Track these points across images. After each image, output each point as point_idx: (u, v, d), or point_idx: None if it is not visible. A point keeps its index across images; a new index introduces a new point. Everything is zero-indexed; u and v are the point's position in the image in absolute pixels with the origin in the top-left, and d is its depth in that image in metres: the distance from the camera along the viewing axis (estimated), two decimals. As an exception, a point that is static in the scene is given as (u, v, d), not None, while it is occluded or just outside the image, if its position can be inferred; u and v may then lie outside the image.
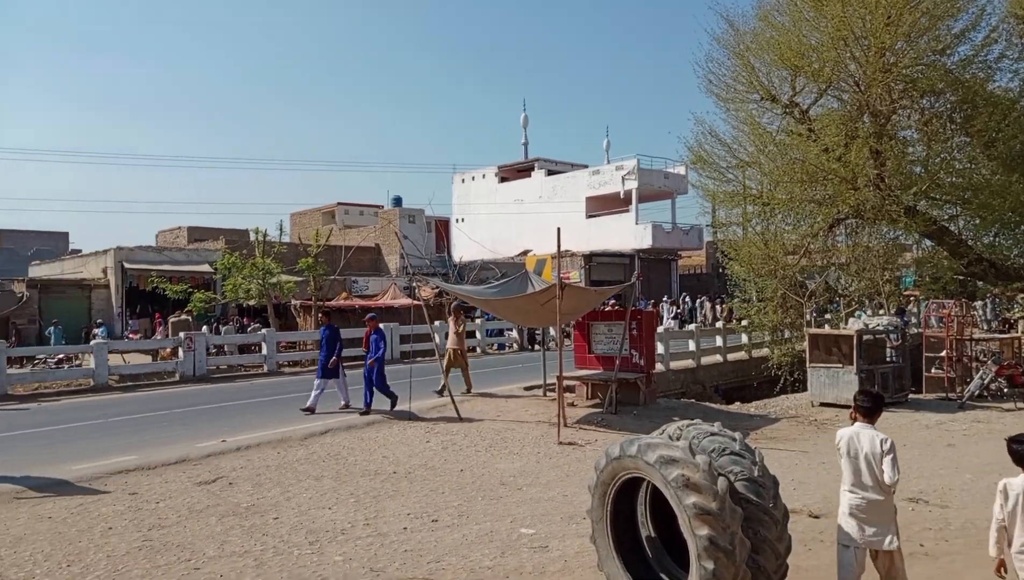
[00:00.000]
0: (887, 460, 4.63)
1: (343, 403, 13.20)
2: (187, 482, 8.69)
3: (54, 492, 8.19)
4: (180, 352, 19.04)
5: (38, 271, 37.76)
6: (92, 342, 19.92)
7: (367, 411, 12.62)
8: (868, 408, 4.85)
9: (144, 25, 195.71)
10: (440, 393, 14.05)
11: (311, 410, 12.77)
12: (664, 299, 34.85)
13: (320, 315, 15.43)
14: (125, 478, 8.76)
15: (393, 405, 12.83)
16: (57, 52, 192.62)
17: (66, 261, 37.99)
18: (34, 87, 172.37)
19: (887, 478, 4.62)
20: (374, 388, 12.76)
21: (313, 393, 13.02)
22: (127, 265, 31.43)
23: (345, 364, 13.54)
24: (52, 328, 26.52)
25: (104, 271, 32.41)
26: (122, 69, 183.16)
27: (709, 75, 19.22)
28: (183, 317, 23.88)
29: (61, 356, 21.16)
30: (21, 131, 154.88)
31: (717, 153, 19.56)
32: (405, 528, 7.15)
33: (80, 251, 41.50)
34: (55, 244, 48.13)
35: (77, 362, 21.09)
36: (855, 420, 4.92)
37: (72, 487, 8.38)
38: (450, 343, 15.12)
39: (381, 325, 23.30)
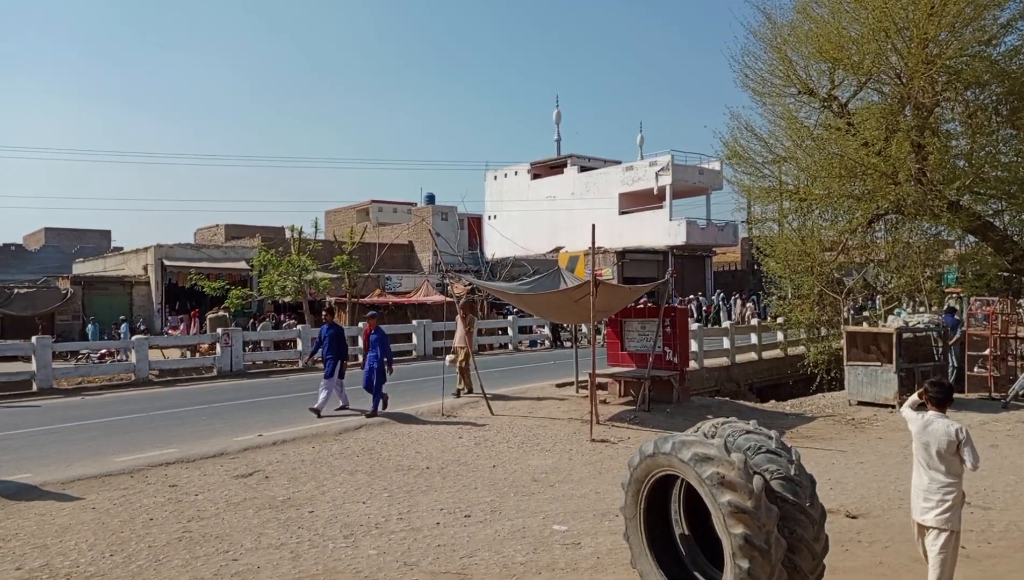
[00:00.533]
0: (967, 450, 4.90)
1: (316, 406, 12.35)
2: (225, 475, 8.84)
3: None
4: (218, 348, 19.39)
5: (82, 268, 38.70)
6: (133, 339, 20.34)
7: (374, 413, 12.13)
8: (939, 399, 5.15)
9: (178, 25, 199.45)
10: (458, 394, 14.02)
11: (343, 407, 12.71)
12: (689, 297, 34.55)
13: (323, 313, 14.61)
14: (165, 471, 8.95)
15: (375, 409, 12.19)
16: (93, 54, 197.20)
17: (108, 258, 38.89)
18: (76, 89, 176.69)
19: (970, 465, 4.89)
20: (363, 386, 12.33)
21: (336, 395, 12.65)
22: (167, 262, 32.08)
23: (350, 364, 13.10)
24: (90, 325, 27.22)
25: (145, 268, 33.13)
26: (160, 69, 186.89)
27: (745, 69, 18.96)
28: (220, 313, 24.30)
29: (104, 351, 21.67)
30: (63, 132, 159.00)
31: (753, 148, 19.28)
32: (438, 523, 7.19)
33: (122, 249, 42.42)
34: (98, 242, 49.25)
35: (119, 357, 21.59)
36: (922, 405, 5.27)
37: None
38: (457, 341, 14.68)
39: (415, 322, 23.73)
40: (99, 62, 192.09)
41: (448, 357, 15.11)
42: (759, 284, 29.46)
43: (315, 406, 12.27)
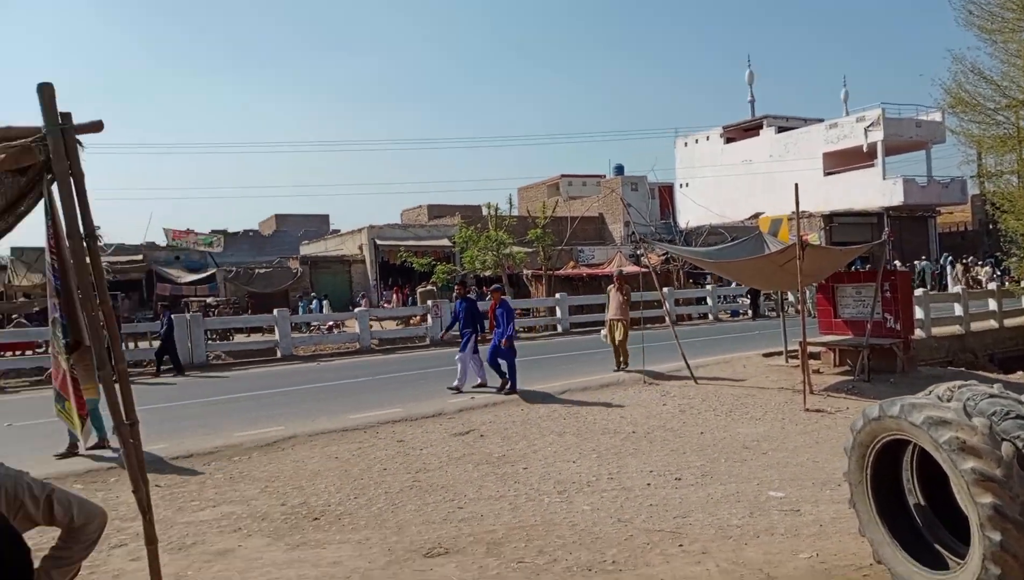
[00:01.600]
0: None
1: (456, 383, 12.12)
2: (444, 433, 9.56)
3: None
4: (428, 318, 20.79)
5: (307, 250, 42.93)
6: (356, 311, 22.38)
7: (512, 390, 11.69)
8: None
9: (369, 18, 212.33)
10: (618, 369, 13.28)
11: (481, 384, 12.26)
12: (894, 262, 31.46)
13: (457, 287, 14.01)
14: (393, 428, 9.85)
15: (502, 387, 11.77)
16: (303, 48, 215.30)
17: (329, 240, 42.80)
18: (294, 85, 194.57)
19: None
20: (488, 363, 11.95)
21: (474, 371, 12.31)
22: (378, 241, 34.76)
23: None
24: (300, 301, 30.26)
25: (360, 248, 36.14)
26: (357, 63, 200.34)
27: (968, 5, 16.90)
28: (428, 288, 25.99)
29: (331, 323, 24.10)
30: (282, 126, 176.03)
31: (982, 93, 17.23)
32: (648, 484, 7.30)
33: (339, 230, 46.44)
34: (319, 225, 54.23)
35: (344, 328, 23.87)
36: None
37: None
38: (611, 313, 13.74)
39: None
40: (333, 55, 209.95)
41: (603, 331, 14.24)
42: (996, 245, 26.30)
43: (454, 384, 12.08)
